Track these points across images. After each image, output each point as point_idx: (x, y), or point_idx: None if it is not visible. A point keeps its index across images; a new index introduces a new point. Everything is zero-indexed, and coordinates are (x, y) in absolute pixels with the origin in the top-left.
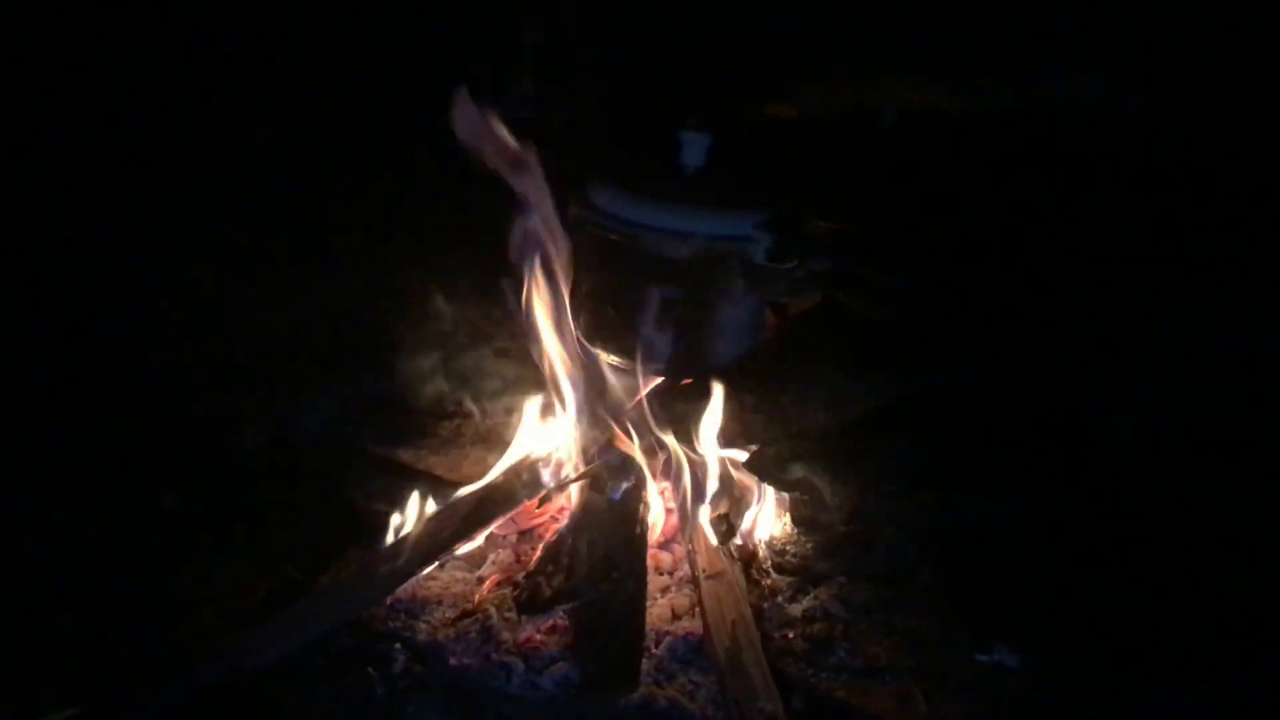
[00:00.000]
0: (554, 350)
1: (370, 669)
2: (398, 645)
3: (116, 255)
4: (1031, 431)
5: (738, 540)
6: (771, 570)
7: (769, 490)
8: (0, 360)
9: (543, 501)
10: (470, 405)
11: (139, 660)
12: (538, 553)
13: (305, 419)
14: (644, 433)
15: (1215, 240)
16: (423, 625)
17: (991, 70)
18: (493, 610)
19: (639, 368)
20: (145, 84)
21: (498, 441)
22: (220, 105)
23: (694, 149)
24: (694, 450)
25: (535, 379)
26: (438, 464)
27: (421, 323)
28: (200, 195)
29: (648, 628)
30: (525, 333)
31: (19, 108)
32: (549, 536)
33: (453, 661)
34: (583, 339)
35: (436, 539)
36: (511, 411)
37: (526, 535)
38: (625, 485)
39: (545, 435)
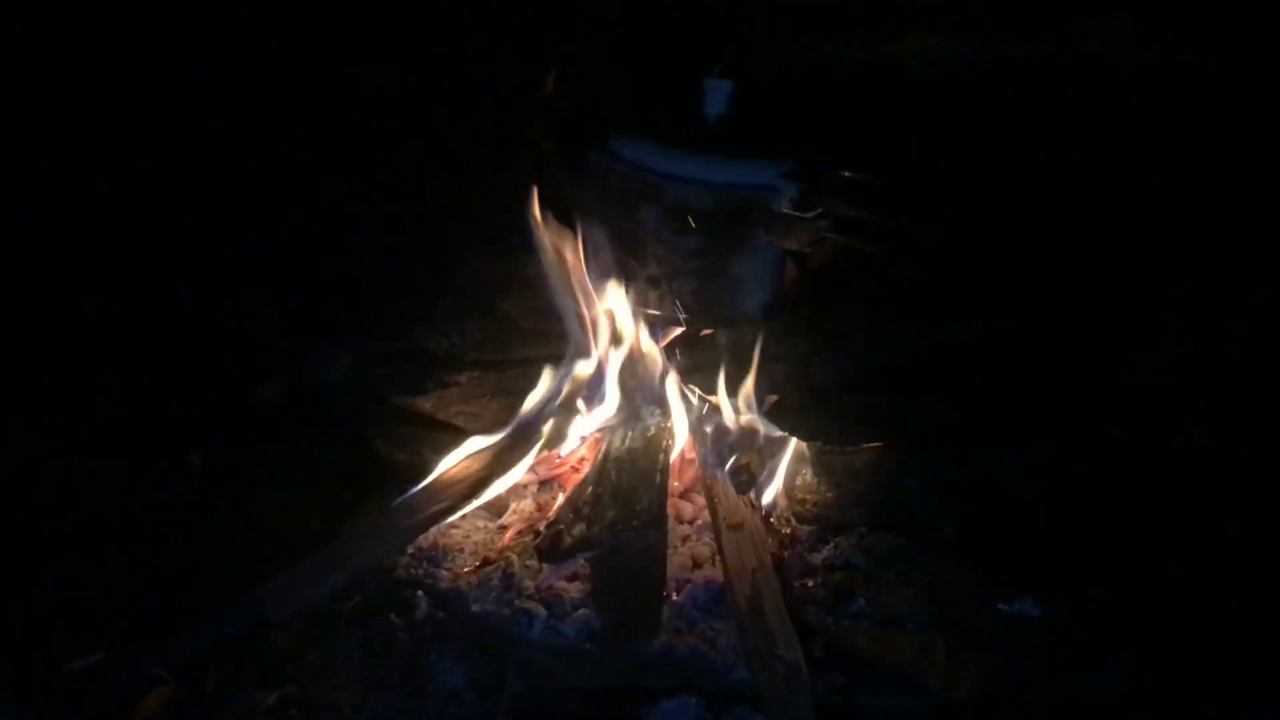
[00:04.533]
0: (576, 301)
1: (393, 616)
2: (420, 592)
3: (139, 211)
4: (1055, 385)
5: (758, 490)
6: (792, 519)
7: (790, 440)
8: (29, 317)
9: (564, 451)
10: (491, 356)
11: (165, 608)
12: (559, 502)
13: (326, 371)
14: (665, 383)
15: (1243, 194)
16: (445, 573)
17: (1021, 20)
18: (514, 558)
19: (660, 317)
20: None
21: (519, 392)
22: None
23: (717, 96)
24: (715, 400)
25: (557, 331)
26: (459, 414)
27: (442, 276)
28: (222, 151)
29: (669, 576)
30: (547, 284)
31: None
32: (570, 486)
33: (475, 608)
34: (604, 289)
35: (459, 488)
36: (533, 362)
37: (548, 485)
38: (647, 434)
39: (567, 386)
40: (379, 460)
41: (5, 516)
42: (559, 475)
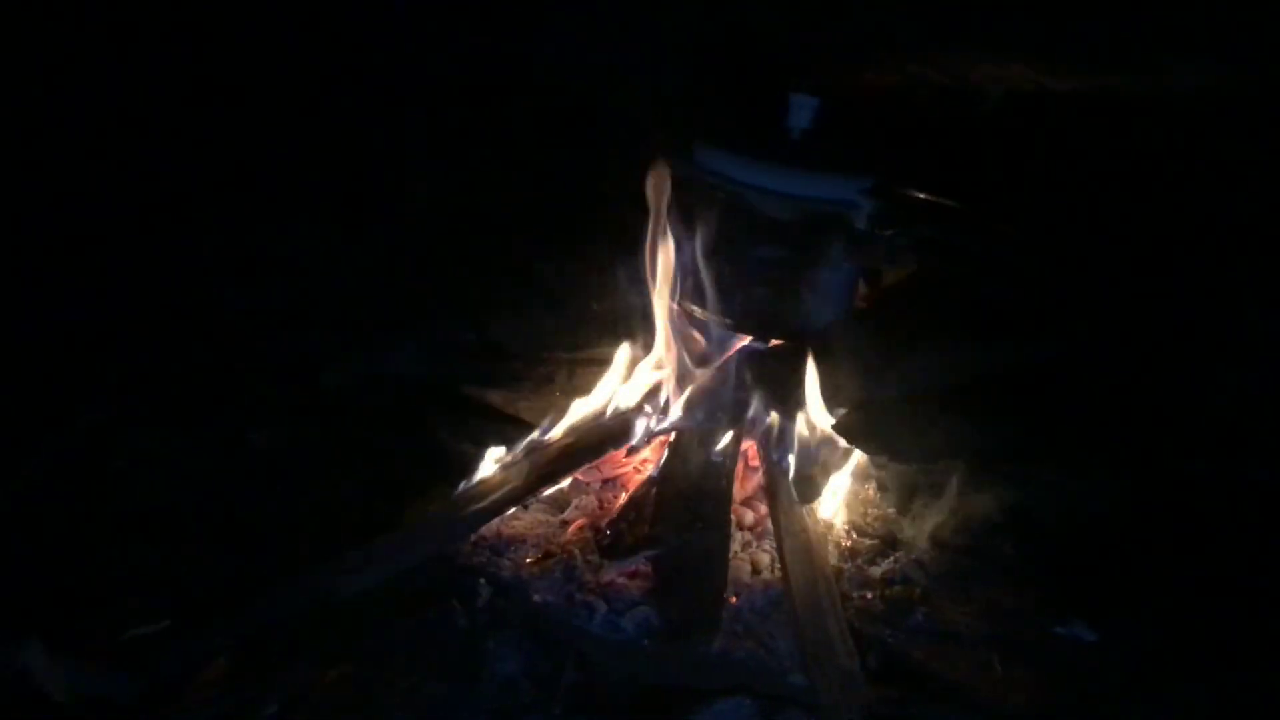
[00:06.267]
0: (650, 304)
1: (454, 601)
2: (482, 580)
3: (213, 200)
4: (1121, 410)
5: (822, 500)
6: (853, 532)
7: (854, 453)
8: (107, 295)
9: (630, 451)
10: (564, 353)
11: (228, 582)
12: (621, 500)
13: (389, 361)
14: (735, 390)
15: None
16: (507, 562)
17: (1102, 53)
18: (576, 552)
19: (734, 325)
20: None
21: (587, 391)
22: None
23: (802, 111)
24: (783, 410)
25: (630, 332)
26: (527, 409)
27: (515, 274)
28: (299, 143)
29: (728, 580)
30: (624, 285)
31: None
32: (633, 486)
33: (536, 598)
34: (679, 294)
35: (523, 481)
36: (604, 362)
37: (610, 483)
38: (714, 440)
39: (636, 387)
40: (445, 449)
41: (76, 485)
42: (622, 475)
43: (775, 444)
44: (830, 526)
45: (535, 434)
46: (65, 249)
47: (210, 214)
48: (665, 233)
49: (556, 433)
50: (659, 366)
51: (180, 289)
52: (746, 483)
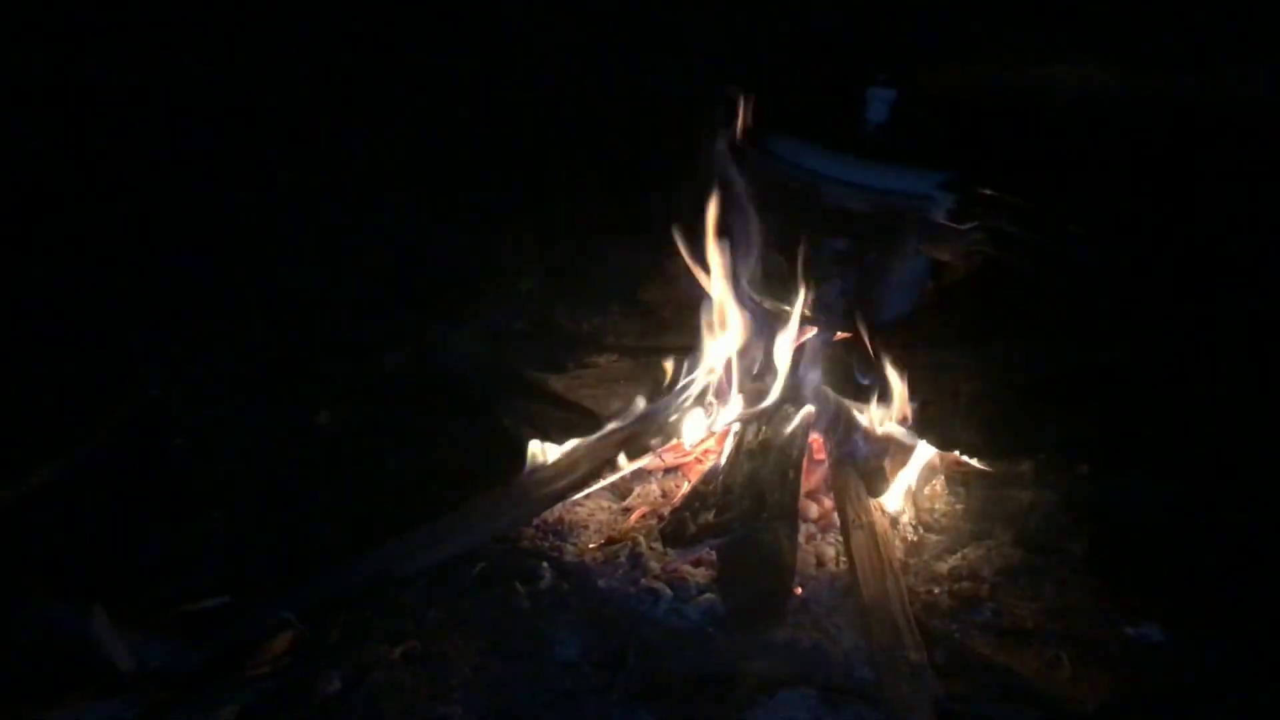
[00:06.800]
0: (719, 294)
1: (517, 583)
2: (544, 564)
3: (285, 179)
4: (1196, 412)
5: (889, 494)
6: (920, 527)
7: (922, 447)
8: (170, 273)
9: (691, 442)
10: (629, 342)
11: (293, 557)
12: (684, 489)
13: (450, 345)
14: (805, 381)
15: None
16: (570, 547)
17: (1172, 56)
18: (641, 539)
19: (805, 316)
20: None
21: (653, 380)
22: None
23: (879, 104)
24: (852, 403)
25: (697, 322)
26: (589, 396)
27: (589, 259)
28: (365, 135)
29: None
30: (692, 275)
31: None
32: (695, 476)
33: (600, 583)
34: (750, 284)
35: (587, 467)
36: (669, 351)
37: (672, 472)
38: (780, 431)
39: (700, 377)
40: (507, 434)
41: (140, 459)
42: (684, 464)
43: (842, 437)
44: (897, 520)
45: (600, 422)
46: (134, 224)
47: (281, 193)
48: (735, 223)
49: (620, 421)
50: (724, 357)
51: (245, 267)
52: (812, 476)
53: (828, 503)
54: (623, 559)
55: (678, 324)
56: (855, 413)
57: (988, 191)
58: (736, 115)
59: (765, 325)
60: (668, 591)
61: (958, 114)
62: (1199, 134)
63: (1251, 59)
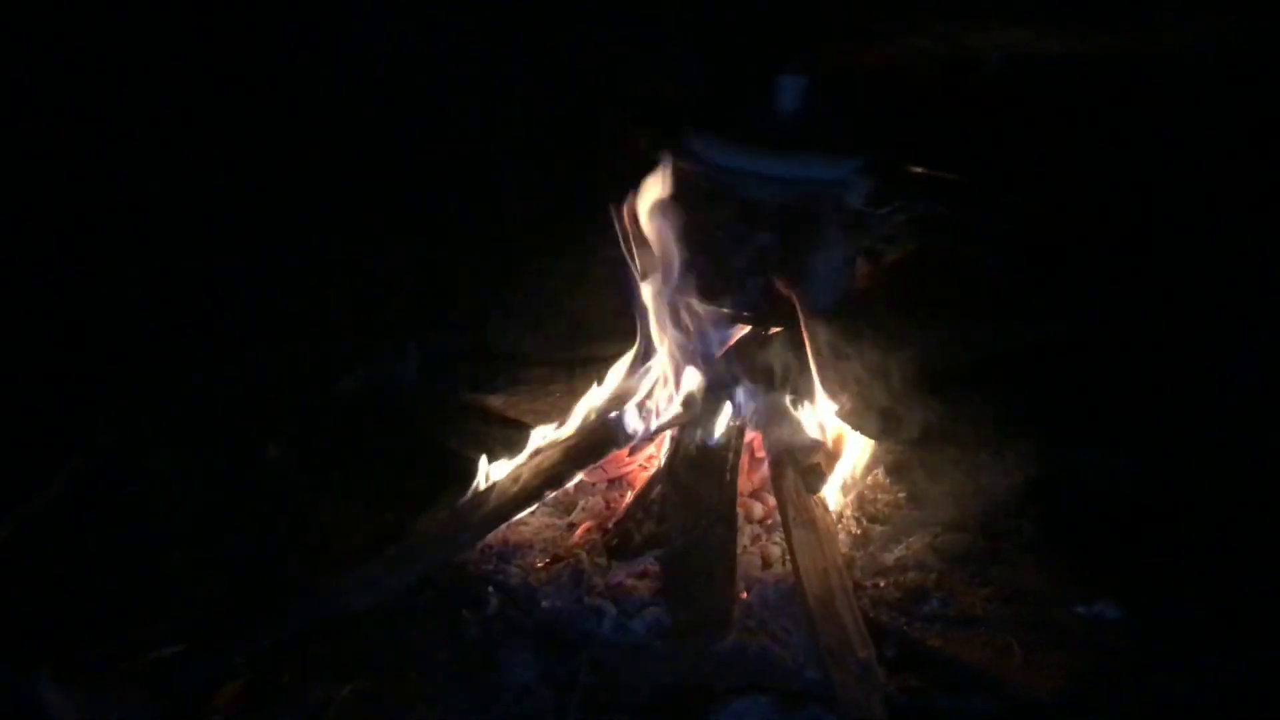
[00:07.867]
0: (646, 297)
1: (464, 611)
2: (490, 588)
3: (216, 208)
4: (1140, 384)
5: (828, 489)
6: (863, 520)
7: (861, 439)
8: (112, 317)
9: (633, 450)
10: (561, 354)
11: (242, 600)
12: (628, 500)
13: (399, 367)
14: (735, 380)
15: None
16: (515, 569)
17: (1105, 12)
18: (584, 555)
19: (731, 315)
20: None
21: (588, 390)
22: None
23: (790, 92)
24: (786, 398)
25: (627, 329)
26: (529, 412)
27: (515, 273)
28: (308, 152)
29: (739, 575)
30: (619, 283)
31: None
32: (639, 484)
33: (545, 604)
34: (674, 286)
35: (528, 485)
36: (602, 360)
37: (616, 483)
38: (718, 433)
39: (636, 383)
40: (451, 456)
41: (92, 510)
42: (627, 473)
43: (779, 434)
44: (840, 515)
45: (537, 437)
46: (75, 268)
47: (221, 228)
48: (657, 225)
49: (559, 435)
50: (657, 361)
51: (189, 307)
52: (753, 475)
53: (771, 501)
54: (566, 578)
55: (610, 333)
56: (790, 408)
57: (907, 170)
58: (655, 113)
59: (697, 327)
60: (611, 608)
61: (882, 92)
62: (1132, 94)
63: (1177, 7)
